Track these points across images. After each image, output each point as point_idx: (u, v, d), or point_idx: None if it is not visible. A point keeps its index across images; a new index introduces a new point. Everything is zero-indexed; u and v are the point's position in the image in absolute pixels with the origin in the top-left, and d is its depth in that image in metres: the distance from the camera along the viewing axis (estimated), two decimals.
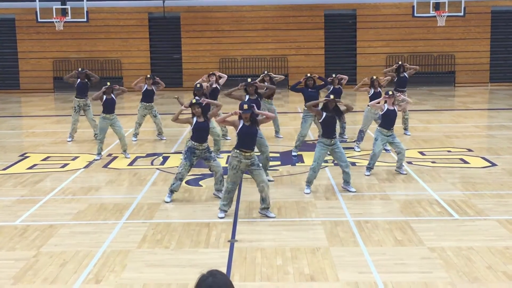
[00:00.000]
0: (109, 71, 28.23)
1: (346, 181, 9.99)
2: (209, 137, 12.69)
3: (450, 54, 28.12)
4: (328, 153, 9.93)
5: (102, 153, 12.92)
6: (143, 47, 28.42)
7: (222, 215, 8.66)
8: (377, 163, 11.73)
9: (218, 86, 13.70)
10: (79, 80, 14.70)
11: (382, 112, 11.04)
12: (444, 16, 24.40)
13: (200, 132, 9.42)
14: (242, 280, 6.52)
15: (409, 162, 11.95)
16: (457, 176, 10.93)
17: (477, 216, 8.58)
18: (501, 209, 8.91)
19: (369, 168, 11.04)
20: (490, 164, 11.74)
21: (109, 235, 7.98)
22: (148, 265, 6.98)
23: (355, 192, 9.86)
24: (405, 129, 15.19)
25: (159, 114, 14.89)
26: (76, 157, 13.03)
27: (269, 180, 10.06)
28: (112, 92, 12.69)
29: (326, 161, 12.14)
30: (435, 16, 24.61)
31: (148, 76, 14.56)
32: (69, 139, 14.77)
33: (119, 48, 28.37)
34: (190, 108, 9.58)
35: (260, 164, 8.80)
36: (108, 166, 12.13)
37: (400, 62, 15.42)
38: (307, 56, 28.30)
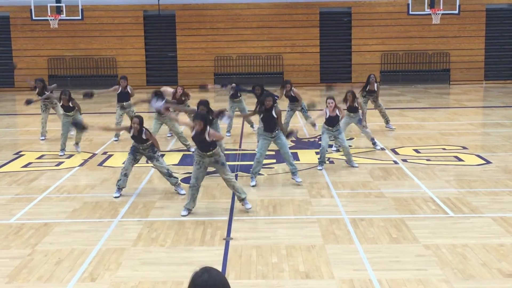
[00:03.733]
0: (104, 69, 28.19)
1: (293, 173, 10.23)
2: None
3: (445, 52, 28.18)
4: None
5: (66, 148, 13.09)
6: (138, 45, 28.38)
7: (185, 213, 8.66)
8: (371, 161, 11.75)
9: (186, 98, 14.20)
10: (37, 89, 14.89)
11: (326, 117, 11.18)
12: (439, 14, 24.45)
13: (135, 139, 9.68)
14: (238, 278, 6.53)
15: (404, 160, 11.97)
16: (452, 173, 10.96)
17: (472, 213, 8.61)
18: (495, 206, 8.94)
19: (321, 162, 11.25)
20: (485, 162, 11.77)
21: (104, 233, 7.97)
22: (143, 263, 6.97)
23: (300, 182, 10.13)
24: (387, 122, 15.26)
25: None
26: (71, 155, 13.01)
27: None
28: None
29: None
30: (430, 14, 24.66)
31: (121, 77, 14.47)
32: (41, 138, 14.74)
33: (114, 46, 28.32)
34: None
35: (225, 162, 8.74)
36: (103, 164, 12.12)
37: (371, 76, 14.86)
38: (302, 54, 28.30)
